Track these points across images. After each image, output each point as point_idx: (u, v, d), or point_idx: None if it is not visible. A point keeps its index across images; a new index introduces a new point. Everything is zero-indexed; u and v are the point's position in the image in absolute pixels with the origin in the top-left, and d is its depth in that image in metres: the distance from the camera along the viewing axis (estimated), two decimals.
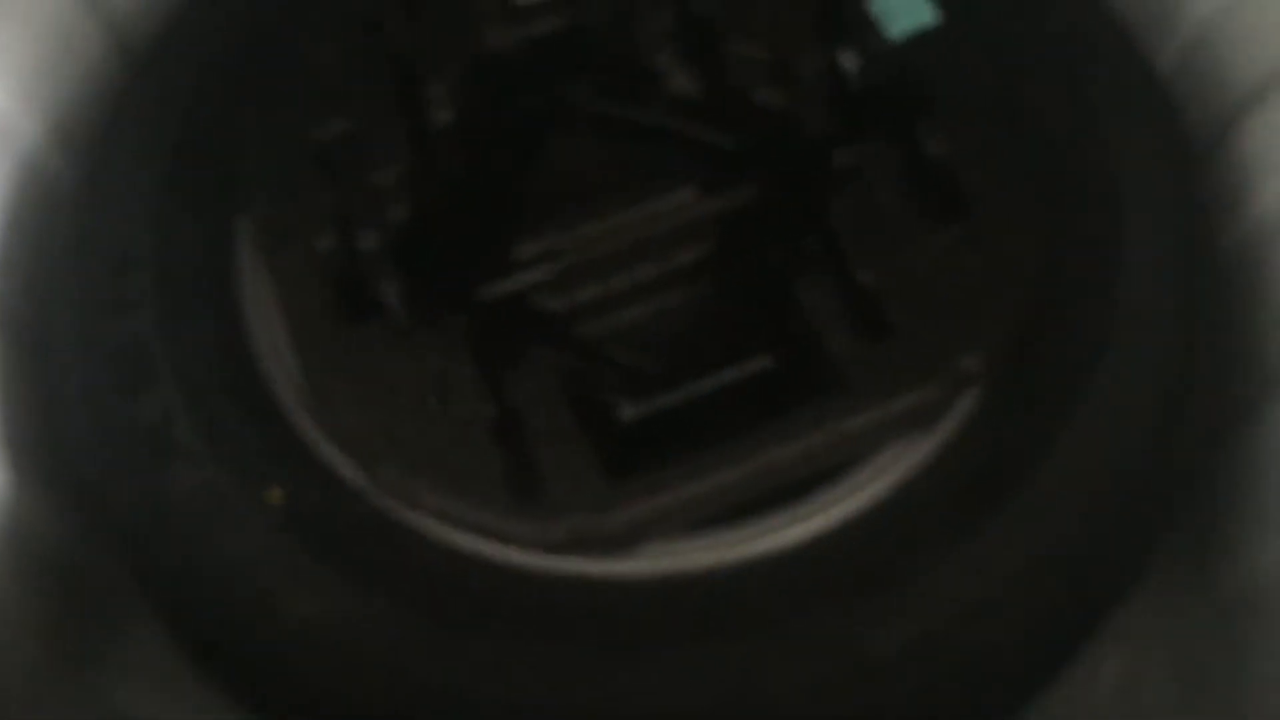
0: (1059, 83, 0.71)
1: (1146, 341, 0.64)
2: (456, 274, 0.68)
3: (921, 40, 0.69)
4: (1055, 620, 0.61)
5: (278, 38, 0.72)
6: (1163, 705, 0.73)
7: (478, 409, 0.60)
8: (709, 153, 0.74)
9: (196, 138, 0.71)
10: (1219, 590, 0.71)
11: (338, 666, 0.60)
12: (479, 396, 0.61)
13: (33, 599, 0.70)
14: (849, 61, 0.70)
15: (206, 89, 0.72)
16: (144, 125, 0.72)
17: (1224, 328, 0.70)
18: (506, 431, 0.60)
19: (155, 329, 0.65)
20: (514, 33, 0.74)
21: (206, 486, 0.62)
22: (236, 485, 0.62)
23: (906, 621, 0.58)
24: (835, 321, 0.62)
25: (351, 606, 0.59)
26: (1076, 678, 0.69)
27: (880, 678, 0.58)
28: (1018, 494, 0.60)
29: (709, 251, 0.69)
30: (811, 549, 0.60)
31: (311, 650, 0.59)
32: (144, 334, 0.65)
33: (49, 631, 0.71)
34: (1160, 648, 0.74)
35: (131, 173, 0.71)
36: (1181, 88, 0.77)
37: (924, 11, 0.70)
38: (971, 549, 0.59)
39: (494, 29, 0.73)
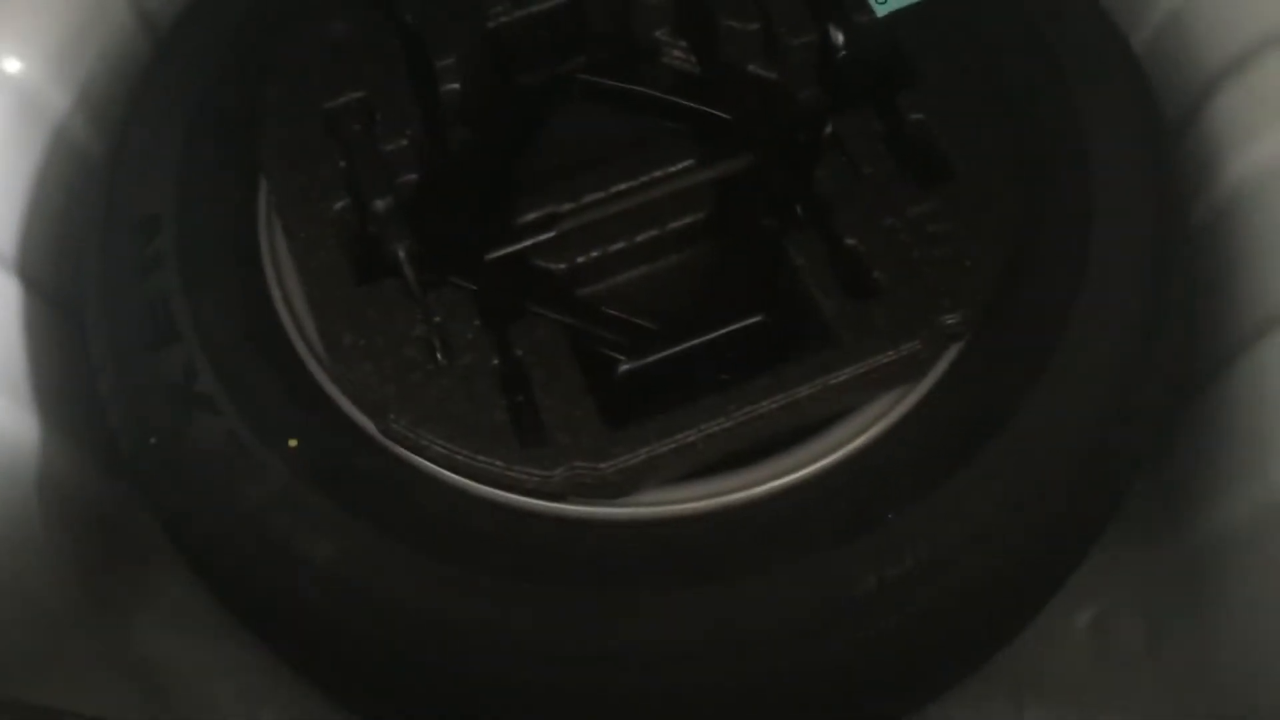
0: (1036, 57, 0.72)
1: (1117, 302, 0.65)
2: (463, 236, 0.69)
3: (906, 16, 0.70)
4: (1029, 563, 0.62)
5: (294, 14, 0.72)
6: (1134, 648, 0.74)
7: (482, 362, 0.62)
8: (704, 123, 0.75)
9: (218, 108, 0.72)
10: (1186, 539, 0.72)
11: (354, 604, 0.61)
12: (483, 350, 0.62)
13: (64, 545, 0.72)
14: (837, 36, 0.71)
15: (227, 62, 0.74)
16: (168, 96, 0.74)
17: (1193, 290, 0.71)
18: (509, 384, 0.61)
19: (179, 287, 0.67)
20: (518, 8, 0.75)
21: (227, 435, 0.63)
22: (255, 434, 0.63)
23: (885, 563, 0.59)
24: (824, 281, 0.63)
25: (366, 547, 0.60)
26: (1052, 620, 0.71)
27: (862, 617, 0.59)
28: (992, 444, 0.62)
29: (704, 216, 0.70)
30: (796, 495, 0.62)
31: (328, 588, 0.61)
32: (168, 291, 0.67)
33: (80, 576, 0.73)
34: (1132, 593, 0.76)
35: (156, 141, 0.72)
36: (1155, 64, 0.78)
37: None
38: (946, 496, 0.60)
39: (499, 4, 0.74)
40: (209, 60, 0.74)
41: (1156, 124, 0.71)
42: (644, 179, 0.71)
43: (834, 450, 0.63)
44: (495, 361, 0.62)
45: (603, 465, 0.59)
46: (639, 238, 0.70)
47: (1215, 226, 0.72)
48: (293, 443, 0.62)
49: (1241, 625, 0.67)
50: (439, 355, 0.62)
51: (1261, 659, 0.64)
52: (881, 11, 0.70)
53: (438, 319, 0.63)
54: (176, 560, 0.69)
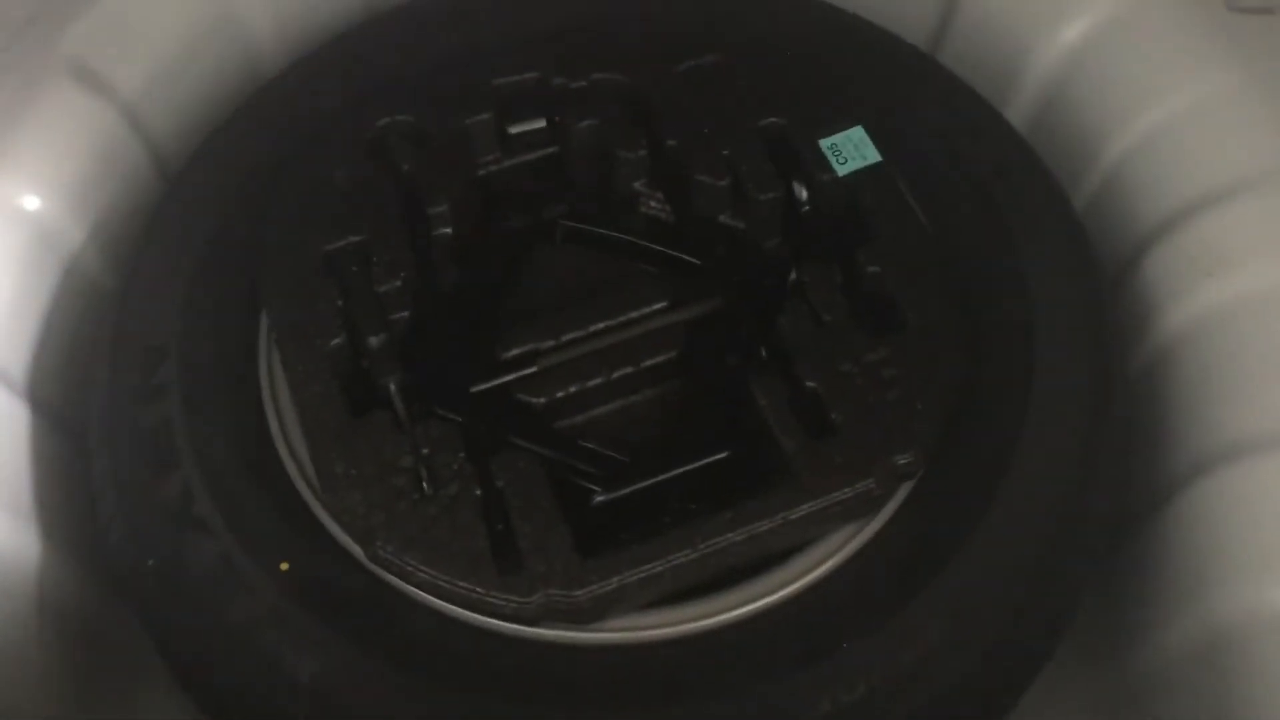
0: (984, 214, 0.77)
1: (1057, 443, 0.69)
2: (451, 371, 0.73)
3: (865, 174, 0.76)
4: (977, 689, 0.65)
5: (298, 161, 0.77)
6: None
7: (465, 492, 0.65)
8: (677, 269, 0.79)
9: (223, 247, 0.76)
10: (1131, 667, 0.75)
11: None
12: (467, 481, 0.65)
13: (58, 660, 0.74)
14: (801, 192, 0.76)
15: (233, 204, 0.78)
16: (177, 234, 0.78)
17: (1131, 433, 0.75)
18: (490, 513, 0.65)
19: (180, 415, 0.70)
20: (506, 159, 0.80)
21: (221, 557, 0.66)
22: (249, 556, 0.66)
23: (840, 690, 0.62)
24: (785, 421, 0.67)
25: (351, 666, 0.63)
26: None
27: None
28: (939, 578, 0.65)
29: (675, 356, 0.75)
30: (757, 623, 0.65)
31: (314, 705, 0.63)
32: (170, 419, 0.70)
33: (72, 690, 0.74)
34: (1083, 717, 0.78)
35: (164, 275, 0.76)
36: (1096, 220, 0.83)
37: (870, 151, 0.77)
38: (897, 625, 0.64)
39: (488, 155, 0.80)
40: (216, 202, 0.78)
41: (1095, 278, 0.76)
42: (619, 319, 0.75)
43: (793, 581, 0.66)
44: (477, 492, 0.65)
45: (576, 593, 0.62)
46: (614, 375, 0.74)
47: (1151, 374, 0.77)
48: (284, 566, 0.65)
49: None
50: (425, 485, 0.65)
51: None
52: (842, 171, 0.76)
53: (425, 450, 0.66)
54: (166, 677, 0.71)
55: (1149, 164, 0.81)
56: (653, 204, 0.81)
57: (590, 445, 0.72)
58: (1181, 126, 0.79)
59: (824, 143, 0.77)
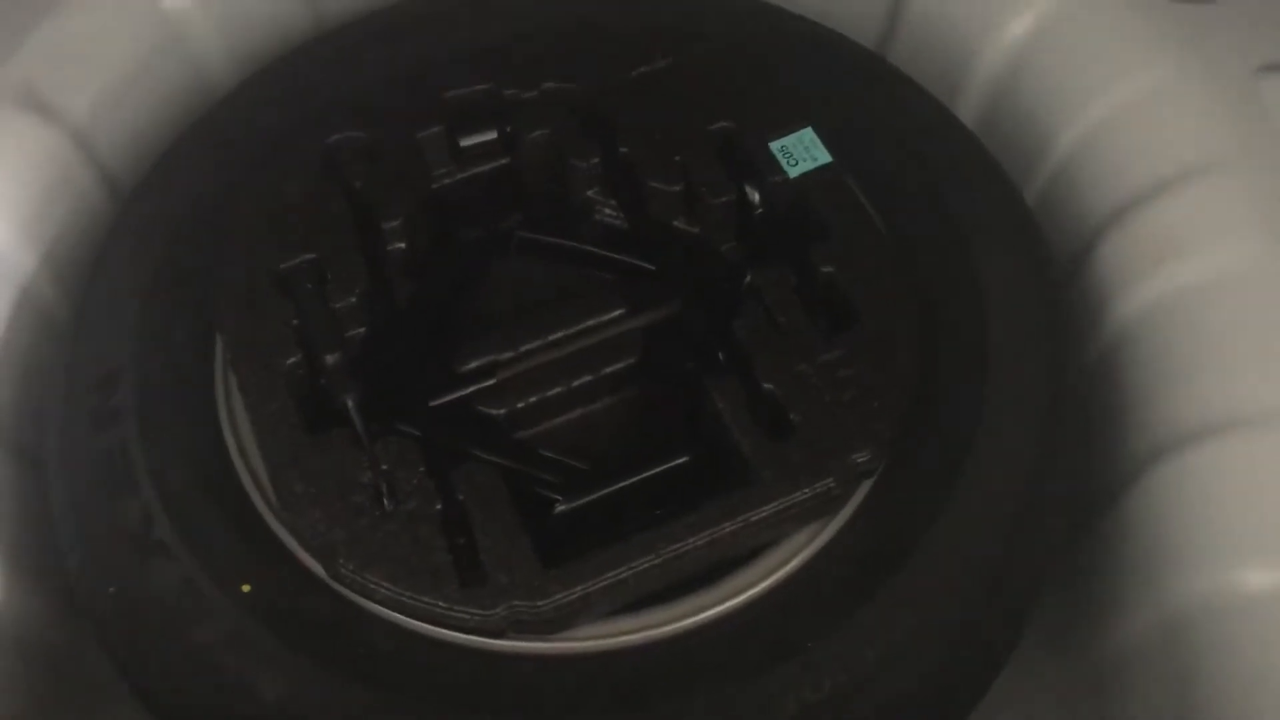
0: (936, 212, 0.78)
1: (1014, 437, 0.70)
2: (409, 385, 0.72)
3: (816, 175, 0.76)
4: (941, 684, 0.65)
5: (249, 181, 0.77)
6: None
7: (425, 507, 0.65)
8: (633, 275, 0.79)
9: (176, 269, 0.76)
10: (1094, 655, 0.75)
11: None
12: (428, 495, 0.65)
13: (23, 689, 0.73)
14: (754, 195, 0.77)
15: (185, 225, 0.77)
16: (129, 258, 0.77)
17: (1087, 423, 0.76)
18: (451, 527, 0.64)
19: (137, 439, 0.69)
20: (459, 172, 0.80)
21: (182, 580, 0.65)
22: (210, 578, 0.65)
23: (805, 689, 0.62)
24: (743, 423, 0.67)
25: (314, 685, 0.62)
26: None
27: None
28: (900, 575, 0.65)
29: (633, 363, 0.74)
30: (722, 626, 0.65)
31: None
32: (127, 443, 0.69)
33: (39, 715, 0.73)
34: (1049, 708, 0.79)
35: (117, 299, 0.75)
36: (1047, 213, 0.84)
37: (820, 152, 0.77)
38: (860, 623, 0.64)
39: (441, 168, 0.79)
40: (168, 223, 0.77)
41: (1048, 272, 0.77)
42: (577, 328, 0.75)
43: (756, 583, 0.66)
44: (438, 506, 0.65)
45: (540, 603, 0.62)
46: (573, 383, 0.74)
47: (1106, 364, 0.78)
48: (246, 587, 0.65)
49: None
50: (385, 501, 0.65)
51: None
52: (793, 173, 0.76)
53: (384, 466, 0.66)
54: (129, 701, 0.70)
55: (1097, 156, 0.81)
56: (607, 212, 0.81)
57: (551, 455, 0.72)
58: (1128, 117, 0.80)
59: (774, 145, 0.77)
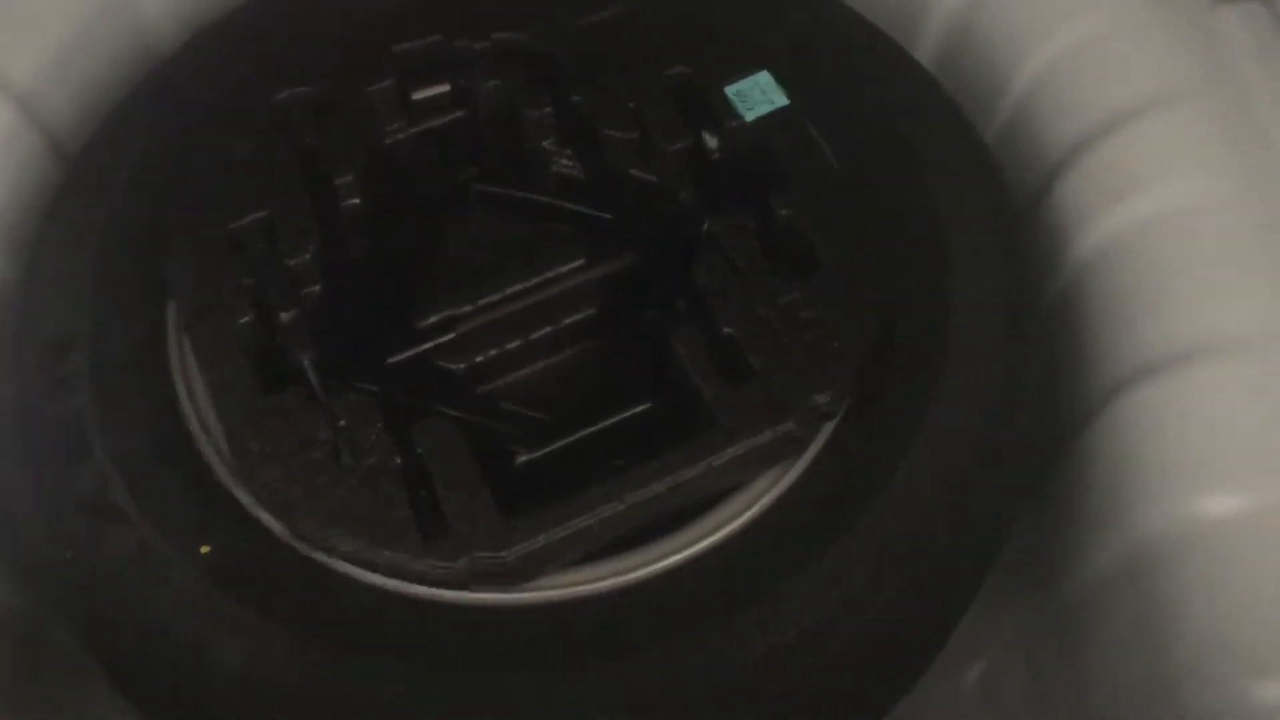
0: (895, 153, 0.77)
1: (977, 374, 0.69)
2: (366, 343, 0.71)
3: (773, 119, 0.75)
4: (908, 623, 0.65)
5: (198, 138, 0.75)
6: (1019, 700, 0.77)
7: (386, 461, 0.64)
8: (591, 226, 0.78)
9: (126, 231, 0.74)
10: (1061, 591, 0.75)
11: (269, 703, 0.62)
12: (387, 450, 0.64)
13: None
14: (710, 141, 0.76)
15: (134, 186, 0.76)
16: (79, 220, 0.76)
17: (1048, 362, 0.75)
18: (412, 481, 0.64)
19: (91, 404, 0.68)
20: (412, 126, 0.79)
21: (139, 544, 0.64)
22: (168, 543, 0.64)
23: (772, 631, 0.62)
24: (704, 369, 0.67)
25: (278, 646, 0.62)
26: (941, 678, 0.74)
27: (751, 685, 0.61)
28: (867, 514, 0.65)
29: (593, 313, 0.74)
30: (688, 571, 0.64)
31: (242, 689, 0.62)
32: (80, 409, 0.68)
33: (13, 692, 0.72)
34: (1016, 646, 0.79)
35: (68, 263, 0.74)
36: (1007, 152, 0.83)
37: (777, 95, 0.76)
38: (826, 565, 0.63)
39: (393, 123, 0.78)
40: (115, 186, 0.76)
41: (1008, 209, 0.76)
42: (536, 280, 0.74)
43: (720, 528, 0.66)
44: (398, 461, 0.64)
45: (503, 553, 0.62)
46: (533, 336, 0.73)
47: (1068, 300, 0.77)
48: (204, 549, 0.64)
49: (1111, 670, 0.70)
50: (344, 458, 0.64)
51: (1130, 701, 0.68)
52: (749, 117, 0.75)
53: (343, 423, 0.65)
54: (95, 670, 0.69)
55: (1053, 93, 0.81)
56: (563, 162, 0.80)
57: (512, 407, 0.71)
58: (1082, 53, 0.79)
59: (730, 89, 0.76)
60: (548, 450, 0.68)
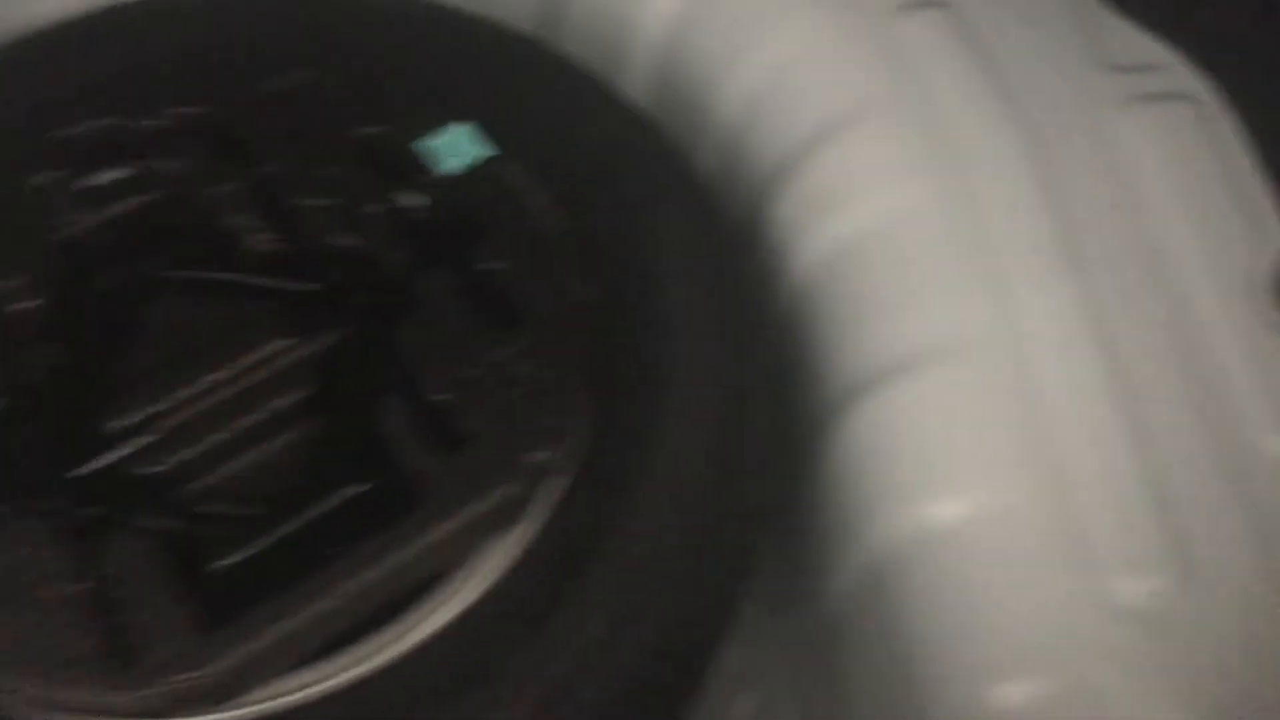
0: (605, 195, 0.75)
1: (702, 413, 0.68)
2: (50, 457, 0.66)
3: (475, 170, 0.72)
4: (649, 681, 0.63)
5: None
6: None
7: (69, 588, 0.59)
8: (297, 301, 0.74)
9: None
10: (815, 618, 0.74)
11: None
12: (70, 575, 0.59)
13: None
14: (411, 199, 0.73)
15: None
16: None
17: (779, 386, 0.75)
18: (100, 605, 0.59)
19: None
20: (92, 215, 0.74)
21: None
22: None
23: (503, 709, 0.59)
24: (413, 441, 0.64)
25: None
26: (712, 709, 0.72)
27: None
28: (595, 570, 0.62)
29: (305, 395, 0.70)
30: (415, 659, 0.61)
31: None
32: None
33: None
34: (784, 679, 0.78)
35: None
36: (725, 180, 0.83)
37: (477, 146, 0.74)
38: (557, 629, 0.61)
39: (68, 216, 0.73)
40: None
41: (725, 246, 0.75)
42: (241, 366, 0.70)
43: (447, 605, 0.62)
44: (84, 586, 0.59)
45: (200, 672, 0.57)
46: (240, 426, 0.68)
47: (790, 323, 0.77)
48: None
49: (867, 689, 0.69)
50: (25, 587, 0.59)
51: (878, 712, 0.67)
52: (450, 171, 0.72)
53: (25, 551, 0.60)
54: None
55: (757, 115, 0.80)
56: (261, 238, 0.76)
57: (216, 508, 0.67)
58: (779, 73, 0.79)
59: (427, 144, 0.73)
60: (254, 550, 0.63)
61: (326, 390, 0.70)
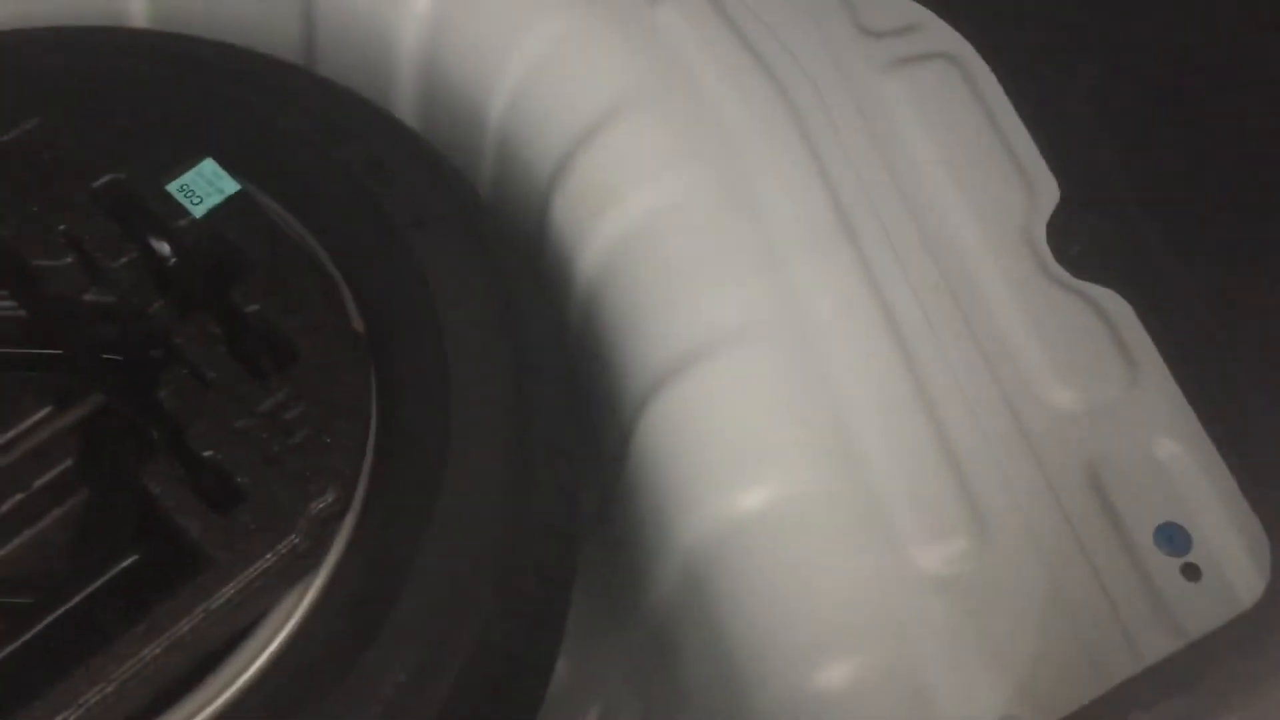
0: (373, 219, 0.73)
1: (489, 437, 0.66)
2: None
3: (226, 208, 0.69)
4: (466, 711, 0.62)
5: None
6: None
7: None
8: (52, 368, 0.70)
9: None
10: (648, 620, 0.74)
11: None
12: None
13: None
14: (161, 247, 0.69)
15: None
16: None
17: (582, 392, 0.74)
18: None
19: None
20: None
21: None
22: None
23: None
24: (185, 503, 0.60)
25: None
26: None
27: None
28: (398, 611, 0.61)
29: (70, 465, 0.66)
30: None
31: None
32: None
33: None
34: (627, 684, 0.77)
35: None
36: (504, 190, 0.81)
37: (227, 183, 0.70)
38: (361, 675, 0.59)
39: None
40: None
41: (497, 259, 0.73)
42: None
43: (246, 667, 0.60)
44: None
45: None
46: (4, 507, 0.64)
47: (584, 329, 0.76)
48: None
49: (699, 684, 0.69)
50: None
51: (718, 711, 0.67)
52: (199, 212, 0.69)
53: None
54: None
55: (526, 114, 0.79)
56: (2, 305, 0.71)
57: None
58: (539, 73, 0.78)
59: (173, 186, 0.70)
60: (19, 642, 0.60)
61: (91, 458, 0.66)
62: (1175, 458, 0.66)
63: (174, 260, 0.69)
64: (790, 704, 0.62)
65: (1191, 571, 0.63)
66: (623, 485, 0.72)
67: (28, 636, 0.60)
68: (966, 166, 0.77)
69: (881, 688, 0.62)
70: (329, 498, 0.61)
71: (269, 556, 0.59)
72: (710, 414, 0.67)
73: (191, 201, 0.69)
